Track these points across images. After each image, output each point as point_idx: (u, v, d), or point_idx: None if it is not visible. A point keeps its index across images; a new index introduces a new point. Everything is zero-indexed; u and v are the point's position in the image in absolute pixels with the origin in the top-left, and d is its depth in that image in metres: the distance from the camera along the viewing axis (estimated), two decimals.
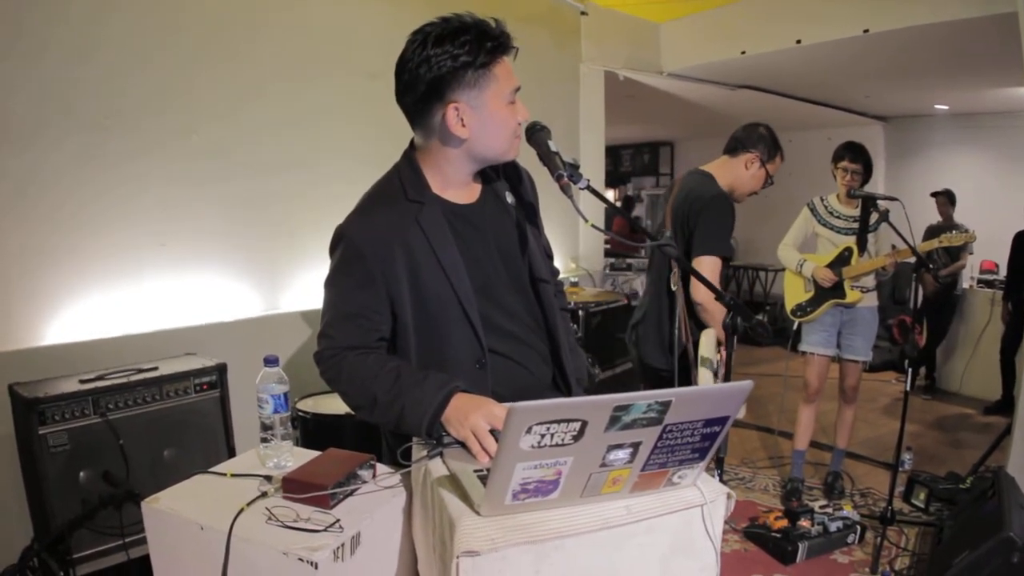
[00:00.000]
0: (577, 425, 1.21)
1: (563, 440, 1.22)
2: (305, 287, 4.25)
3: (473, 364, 1.83)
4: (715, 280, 3.07)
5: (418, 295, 1.81)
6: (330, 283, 1.86)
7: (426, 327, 1.84)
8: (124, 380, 3.05)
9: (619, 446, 1.28)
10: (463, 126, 1.76)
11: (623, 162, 14.34)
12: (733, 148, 3.45)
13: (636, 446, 1.30)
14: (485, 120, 1.77)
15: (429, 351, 1.85)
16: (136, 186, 3.55)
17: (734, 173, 3.40)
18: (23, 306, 3.24)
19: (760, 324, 2.13)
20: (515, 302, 1.94)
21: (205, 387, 3.29)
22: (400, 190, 1.86)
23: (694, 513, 1.47)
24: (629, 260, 8.52)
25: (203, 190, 3.81)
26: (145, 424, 3.07)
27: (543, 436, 1.20)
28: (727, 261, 3.24)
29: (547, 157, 1.83)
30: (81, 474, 2.87)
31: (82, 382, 2.96)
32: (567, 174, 1.78)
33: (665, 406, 1.25)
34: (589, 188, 1.82)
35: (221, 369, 3.34)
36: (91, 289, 3.42)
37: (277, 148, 4.13)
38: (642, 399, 1.22)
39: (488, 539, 1.27)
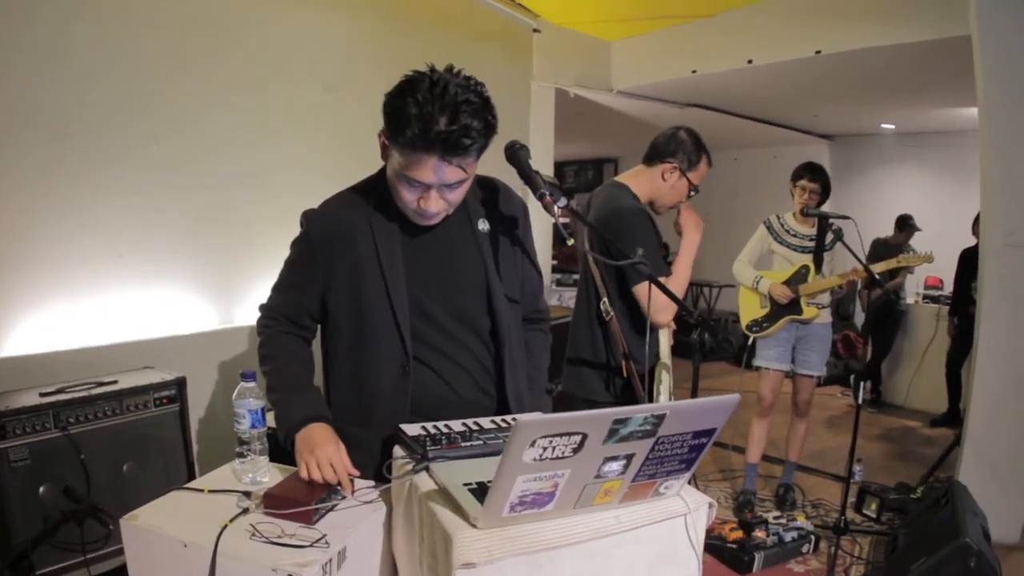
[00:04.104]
0: (578, 438, 1.23)
1: (563, 453, 1.24)
2: (263, 300, 4.20)
3: (397, 369, 1.91)
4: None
5: (355, 292, 1.91)
6: (287, 257, 2.04)
7: (358, 326, 1.93)
8: (85, 393, 3.00)
9: (614, 458, 1.31)
10: (383, 156, 1.86)
11: (567, 178, 14.32)
12: (650, 157, 3.08)
13: (630, 458, 1.32)
14: (389, 172, 1.84)
15: (358, 349, 1.95)
16: (95, 196, 3.50)
17: (652, 184, 3.05)
18: None
19: (726, 340, 2.17)
20: (458, 324, 1.98)
21: (165, 401, 3.26)
22: (367, 191, 1.95)
23: (677, 522, 1.50)
24: (575, 276, 8.60)
25: (161, 201, 3.76)
26: (105, 438, 3.03)
27: (545, 449, 1.22)
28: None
29: (528, 176, 1.87)
30: (41, 489, 2.82)
31: (42, 395, 2.92)
32: (548, 192, 1.81)
33: (660, 419, 1.28)
34: (569, 207, 1.85)
35: (180, 383, 3.32)
36: (49, 300, 3.36)
37: (236, 159, 4.11)
38: (639, 412, 1.25)
39: (485, 551, 1.28)
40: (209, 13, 3.94)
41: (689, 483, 2.07)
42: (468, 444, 1.68)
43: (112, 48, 3.53)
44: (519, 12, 6.38)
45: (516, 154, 1.90)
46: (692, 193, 3.07)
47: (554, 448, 1.22)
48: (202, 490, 1.83)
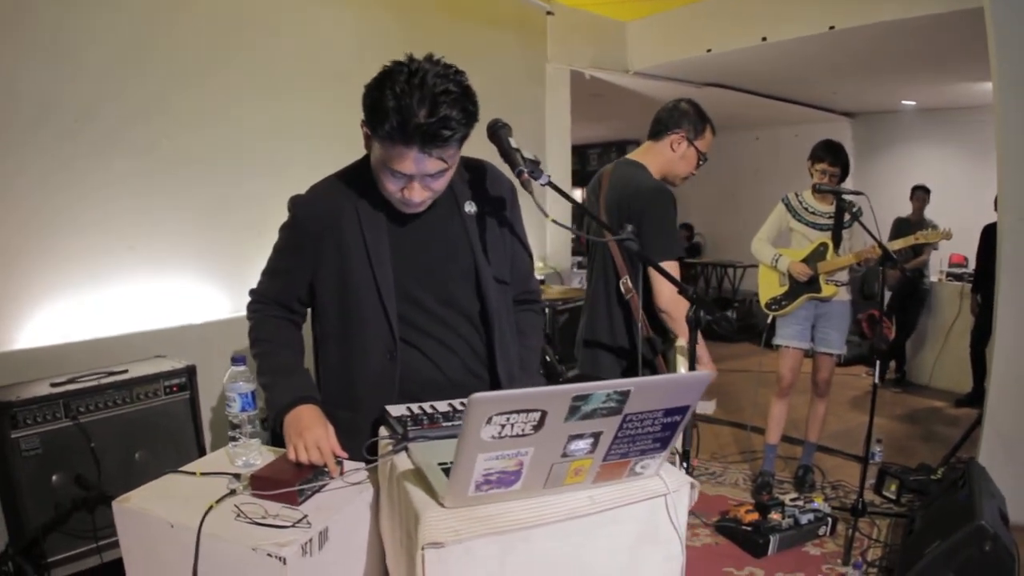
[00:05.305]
0: (537, 415, 1.22)
1: (523, 430, 1.23)
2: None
3: (384, 354, 1.93)
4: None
5: (342, 277, 1.92)
6: (276, 243, 2.06)
7: (345, 311, 1.95)
8: (95, 383, 3.05)
9: (580, 436, 1.30)
10: (366, 146, 1.86)
11: (591, 161, 14.26)
12: (657, 132, 3.12)
13: (597, 436, 1.31)
14: (373, 161, 1.83)
15: (345, 334, 1.96)
16: (107, 191, 3.56)
17: (663, 157, 3.09)
18: None
19: (724, 317, 2.15)
20: (446, 307, 1.99)
21: (175, 389, 3.31)
22: (353, 177, 1.95)
23: (658, 503, 1.48)
24: None
25: (173, 194, 3.83)
26: (116, 427, 3.08)
27: (503, 426, 1.21)
28: (681, 260, 2.93)
29: (507, 154, 1.86)
30: (53, 477, 2.87)
31: (53, 385, 2.97)
32: (528, 170, 1.81)
33: (624, 395, 1.26)
34: (550, 184, 1.85)
35: (190, 371, 3.37)
36: (62, 293, 3.42)
37: (248, 155, 4.17)
38: (601, 388, 1.24)
39: (452, 530, 1.28)
40: (219, 11, 4.00)
41: (687, 469, 2.09)
42: (450, 424, 1.69)
43: (126, 47, 3.60)
44: None
45: (497, 132, 1.90)
46: (701, 161, 3.11)
47: (512, 425, 1.22)
48: (194, 473, 1.85)
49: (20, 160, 3.26)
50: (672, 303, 2.77)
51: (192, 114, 3.88)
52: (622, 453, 1.39)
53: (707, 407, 6.40)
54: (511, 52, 6.21)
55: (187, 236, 3.91)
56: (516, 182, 1.90)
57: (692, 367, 2.21)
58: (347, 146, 1.99)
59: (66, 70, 3.37)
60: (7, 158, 3.22)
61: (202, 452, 3.35)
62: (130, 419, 3.13)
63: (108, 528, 2.85)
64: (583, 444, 1.32)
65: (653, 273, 2.75)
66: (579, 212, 2.26)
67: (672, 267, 2.75)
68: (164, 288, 3.82)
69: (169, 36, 3.76)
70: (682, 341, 2.83)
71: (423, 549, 1.26)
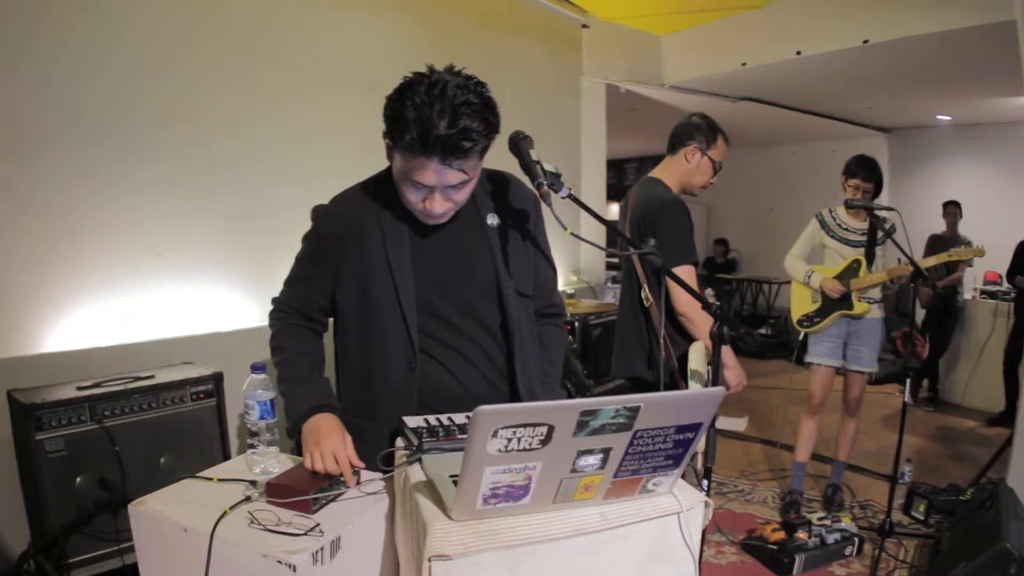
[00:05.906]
0: (544, 429, 1.21)
1: (531, 444, 1.23)
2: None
3: (404, 364, 1.93)
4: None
5: (363, 287, 1.93)
6: (298, 252, 2.07)
7: (365, 321, 1.95)
8: (121, 388, 3.08)
9: (589, 452, 1.29)
10: (388, 157, 1.85)
11: (628, 175, 14.27)
12: (672, 145, 3.29)
13: (607, 452, 1.30)
14: (394, 173, 1.84)
15: (365, 344, 1.97)
16: (137, 198, 3.59)
17: (680, 169, 3.25)
18: (24, 314, 3.26)
19: (748, 333, 2.13)
20: (467, 319, 1.98)
21: (201, 395, 3.32)
22: (376, 188, 1.97)
23: (670, 521, 1.47)
24: None
25: (202, 202, 3.86)
26: (141, 431, 3.10)
27: (510, 440, 1.21)
28: (696, 266, 3.10)
29: (528, 166, 1.85)
30: (77, 480, 2.90)
31: (79, 389, 2.99)
32: (547, 182, 1.80)
33: (634, 411, 1.25)
34: (571, 197, 1.84)
35: (217, 378, 3.38)
36: (90, 298, 3.45)
37: (276, 162, 4.19)
38: (610, 404, 1.23)
39: (460, 543, 1.28)
40: (247, 21, 4.04)
41: (707, 486, 2.07)
42: (465, 436, 1.67)
43: (156, 54, 3.64)
44: (567, 8, 6.37)
45: (518, 145, 1.89)
46: (717, 169, 3.26)
47: (519, 439, 1.21)
48: (211, 479, 1.87)
49: (48, 165, 3.30)
50: (689, 306, 2.90)
51: (220, 121, 3.91)
52: (633, 470, 1.37)
53: (738, 424, 6.36)
54: (546, 65, 6.23)
55: (215, 243, 3.94)
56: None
57: (716, 381, 2.19)
58: (375, 155, 2.00)
59: (95, 77, 3.41)
60: (36, 163, 3.26)
61: (227, 459, 3.36)
62: (156, 424, 3.15)
63: (130, 531, 2.88)
64: (593, 460, 1.31)
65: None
66: (606, 226, 2.27)
67: (687, 271, 2.96)
68: (192, 295, 3.85)
69: (196, 43, 3.79)
70: (696, 350, 2.84)
71: (430, 561, 1.26)
